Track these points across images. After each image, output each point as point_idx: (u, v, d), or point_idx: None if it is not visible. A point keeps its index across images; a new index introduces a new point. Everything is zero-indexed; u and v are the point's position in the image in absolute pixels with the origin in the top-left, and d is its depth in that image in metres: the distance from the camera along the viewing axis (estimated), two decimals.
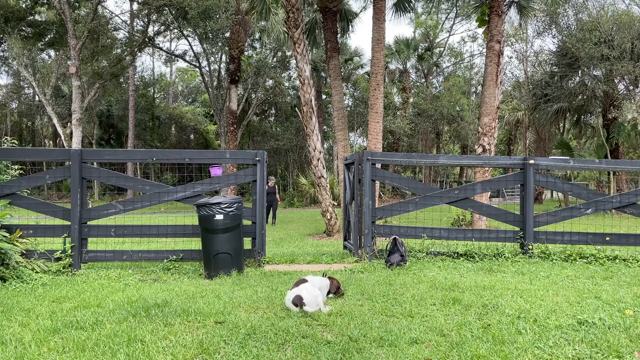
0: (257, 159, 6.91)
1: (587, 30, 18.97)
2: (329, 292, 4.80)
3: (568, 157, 9.37)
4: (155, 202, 6.78)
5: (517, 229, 7.28)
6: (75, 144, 19.74)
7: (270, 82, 31.91)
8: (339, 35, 16.38)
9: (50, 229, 6.57)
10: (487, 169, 11.98)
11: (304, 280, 4.52)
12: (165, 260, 6.64)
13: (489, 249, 7.31)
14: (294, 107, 33.00)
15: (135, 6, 26.16)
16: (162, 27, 26.00)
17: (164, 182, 29.92)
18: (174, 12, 22.12)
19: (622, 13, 19.61)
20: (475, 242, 7.35)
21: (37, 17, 24.85)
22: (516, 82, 28.91)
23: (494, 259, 6.93)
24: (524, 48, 27.86)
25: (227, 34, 23.87)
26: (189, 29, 25.30)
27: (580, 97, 21.51)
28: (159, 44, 30.63)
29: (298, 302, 4.19)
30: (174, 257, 6.69)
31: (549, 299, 4.65)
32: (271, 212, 16.22)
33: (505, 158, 8.03)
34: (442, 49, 36.79)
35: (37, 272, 6.00)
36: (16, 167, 7.35)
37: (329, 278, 4.90)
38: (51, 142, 39.25)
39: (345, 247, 8.63)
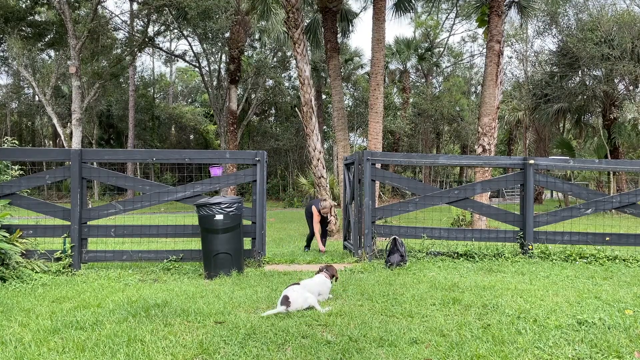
0: (257, 159, 6.92)
1: (588, 30, 18.95)
2: (333, 277, 4.89)
3: (568, 157, 9.38)
4: (155, 202, 6.78)
5: (517, 229, 7.28)
6: (75, 144, 19.72)
7: (270, 82, 31.89)
8: (339, 36, 16.37)
9: (50, 229, 6.57)
10: (487, 169, 11.97)
11: (296, 284, 4.54)
12: (165, 260, 6.65)
13: (488, 249, 7.31)
14: (294, 107, 32.98)
15: (135, 6, 26.14)
16: (162, 27, 25.97)
17: (164, 182, 29.91)
18: (174, 12, 22.11)
19: (622, 13, 19.59)
20: (475, 242, 7.35)
21: (37, 17, 24.83)
22: (516, 82, 28.89)
23: (494, 259, 6.93)
24: (524, 48, 27.87)
25: (227, 34, 23.85)
26: (189, 29, 25.27)
27: (580, 97, 21.47)
28: (159, 44, 30.59)
29: (285, 301, 4.25)
30: (174, 257, 6.69)
31: (548, 299, 4.65)
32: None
33: (505, 158, 8.03)
34: (442, 49, 36.79)
35: (37, 272, 6.00)
36: (16, 167, 7.35)
37: (327, 266, 4.94)
38: (51, 142, 39.23)
39: (345, 247, 8.63)
